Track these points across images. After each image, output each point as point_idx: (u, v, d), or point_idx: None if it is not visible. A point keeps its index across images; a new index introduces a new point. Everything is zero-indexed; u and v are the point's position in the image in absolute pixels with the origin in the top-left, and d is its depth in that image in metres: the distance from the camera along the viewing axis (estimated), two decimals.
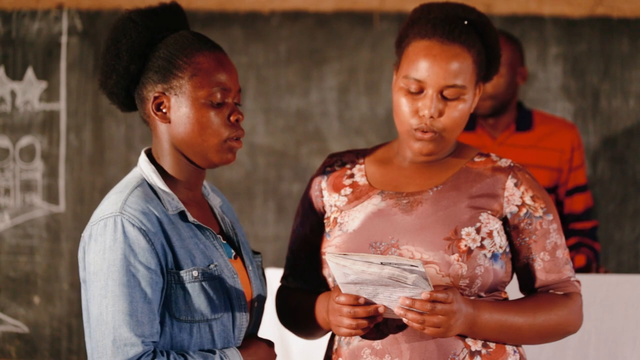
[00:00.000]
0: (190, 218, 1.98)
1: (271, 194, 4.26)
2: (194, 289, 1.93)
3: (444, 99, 2.04)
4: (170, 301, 1.93)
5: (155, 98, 1.98)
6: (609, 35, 4.19)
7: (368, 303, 1.94)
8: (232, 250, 2.07)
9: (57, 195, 4.25)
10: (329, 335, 2.17)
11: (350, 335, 1.98)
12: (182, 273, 1.93)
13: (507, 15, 4.21)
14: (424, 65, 2.03)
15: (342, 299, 1.95)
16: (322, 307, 2.05)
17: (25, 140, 4.25)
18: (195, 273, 1.94)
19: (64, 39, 4.25)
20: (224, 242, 2.06)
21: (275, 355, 2.09)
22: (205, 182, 2.12)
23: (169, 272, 1.92)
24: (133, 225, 1.90)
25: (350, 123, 4.21)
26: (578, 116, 4.21)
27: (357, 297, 1.93)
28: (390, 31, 4.16)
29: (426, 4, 2.14)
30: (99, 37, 4.25)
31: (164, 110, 1.99)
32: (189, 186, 2.04)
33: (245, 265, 2.08)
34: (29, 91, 4.25)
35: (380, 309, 1.93)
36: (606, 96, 4.21)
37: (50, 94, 4.25)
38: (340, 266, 1.88)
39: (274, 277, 2.42)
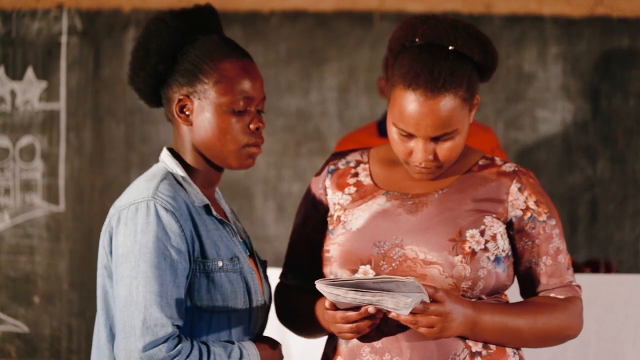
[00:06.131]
0: (214, 212, 2.02)
1: (271, 194, 4.26)
2: (218, 279, 1.96)
3: (437, 139, 2.02)
4: (193, 289, 1.95)
5: (180, 100, 2.01)
6: (609, 35, 4.19)
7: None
8: (247, 250, 2.10)
9: (57, 195, 4.25)
10: None
11: (354, 337, 2.00)
12: (208, 262, 1.96)
13: (507, 15, 4.21)
14: (411, 121, 2.00)
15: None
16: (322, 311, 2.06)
17: (25, 140, 4.25)
18: (220, 263, 1.97)
19: (63, 39, 4.25)
20: (241, 240, 2.09)
21: (281, 357, 2.10)
22: (217, 189, 2.15)
23: (195, 260, 1.95)
24: (166, 209, 1.92)
25: (350, 123, 4.20)
26: (578, 116, 4.21)
27: None
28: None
29: (412, 22, 2.10)
30: (99, 37, 4.25)
31: (187, 113, 2.01)
32: (206, 184, 2.07)
33: (257, 267, 2.11)
34: (29, 91, 4.25)
35: (371, 309, 1.93)
36: (606, 96, 4.21)
37: (50, 94, 4.25)
38: (333, 295, 1.90)
39: (274, 277, 2.42)
